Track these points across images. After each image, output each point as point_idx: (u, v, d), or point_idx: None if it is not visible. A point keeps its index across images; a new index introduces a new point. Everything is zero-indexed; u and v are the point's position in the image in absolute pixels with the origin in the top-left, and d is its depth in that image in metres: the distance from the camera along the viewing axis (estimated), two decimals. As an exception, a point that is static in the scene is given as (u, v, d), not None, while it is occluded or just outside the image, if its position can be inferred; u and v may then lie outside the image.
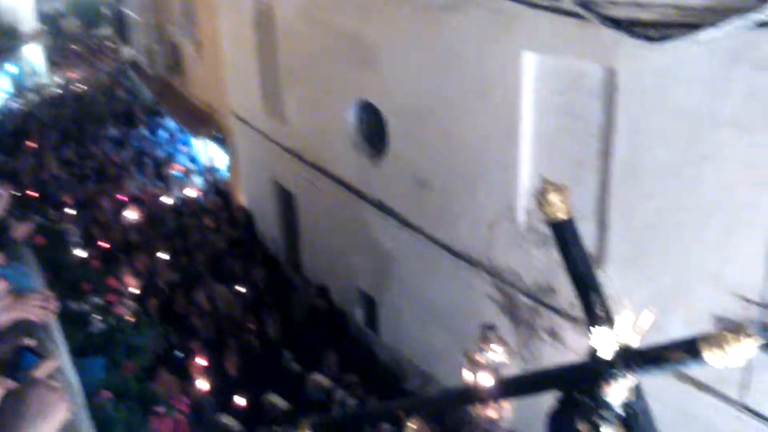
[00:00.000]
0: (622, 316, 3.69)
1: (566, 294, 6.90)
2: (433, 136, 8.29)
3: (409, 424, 5.15)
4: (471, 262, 8.07)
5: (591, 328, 3.82)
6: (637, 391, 3.85)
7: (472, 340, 7.53)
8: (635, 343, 3.74)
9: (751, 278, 5.50)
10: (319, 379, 8.58)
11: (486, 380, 5.62)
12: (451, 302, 8.39)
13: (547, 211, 3.96)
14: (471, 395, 4.75)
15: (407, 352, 9.28)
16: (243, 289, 11.33)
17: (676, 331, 5.23)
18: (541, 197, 3.97)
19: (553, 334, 7.25)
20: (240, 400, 8.53)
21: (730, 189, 5.54)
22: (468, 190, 8.00)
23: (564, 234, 3.96)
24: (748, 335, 3.38)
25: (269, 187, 12.75)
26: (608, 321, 3.85)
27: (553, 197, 3.94)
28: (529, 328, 7.55)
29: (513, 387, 4.36)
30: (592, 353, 3.78)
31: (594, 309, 3.88)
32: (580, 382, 3.84)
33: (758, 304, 5.49)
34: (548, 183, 3.97)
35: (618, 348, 3.70)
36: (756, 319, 5.47)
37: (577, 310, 6.78)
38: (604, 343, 3.66)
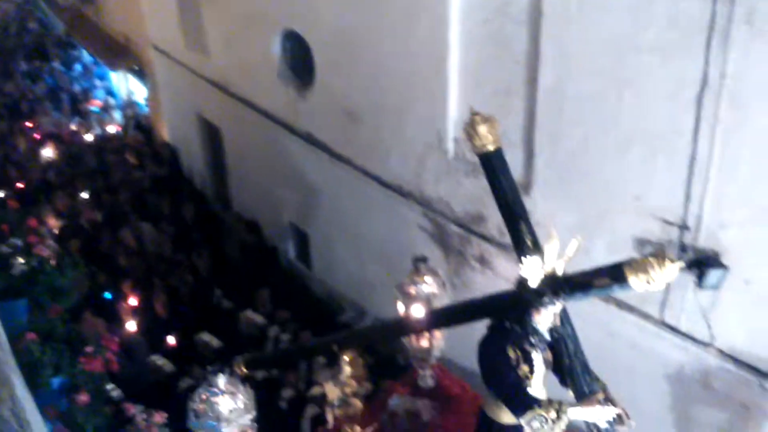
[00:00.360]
0: (550, 245, 3.74)
1: (495, 221, 7.01)
2: (361, 67, 8.15)
3: (343, 357, 5.17)
4: (402, 193, 8.08)
5: (520, 256, 3.86)
6: (564, 316, 3.95)
7: (405, 272, 7.62)
8: (562, 270, 3.80)
9: (670, 202, 5.66)
10: (252, 316, 8.56)
11: (418, 311, 5.70)
12: (382, 234, 8.41)
13: (476, 143, 3.94)
14: (404, 327, 4.78)
15: (340, 286, 9.32)
16: (170, 227, 11.10)
17: (600, 254, 5.40)
18: (470, 129, 3.94)
19: (483, 261, 7.38)
20: (171, 340, 8.46)
21: (650, 115, 5.64)
22: (397, 122, 7.94)
23: (493, 165, 3.96)
24: (671, 259, 3.47)
25: (193, 122, 12.39)
26: (536, 249, 3.90)
27: (482, 128, 3.91)
28: (459, 257, 7.65)
29: (445, 317, 4.41)
30: (521, 282, 3.84)
31: (522, 238, 3.92)
32: (510, 311, 3.91)
33: (678, 226, 5.68)
34: (477, 114, 3.94)
35: (546, 276, 3.75)
36: (676, 240, 5.66)
37: (506, 237, 6.93)
38: (533, 271, 3.71)
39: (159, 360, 8.21)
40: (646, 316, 6.07)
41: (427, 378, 6.07)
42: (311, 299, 9.37)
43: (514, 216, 3.91)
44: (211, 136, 12.02)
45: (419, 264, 5.76)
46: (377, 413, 5.73)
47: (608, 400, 3.93)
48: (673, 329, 5.93)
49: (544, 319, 3.83)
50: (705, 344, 5.67)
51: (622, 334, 6.22)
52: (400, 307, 5.82)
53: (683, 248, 5.56)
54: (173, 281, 9.80)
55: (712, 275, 3.45)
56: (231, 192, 11.94)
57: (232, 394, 4.83)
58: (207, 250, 10.30)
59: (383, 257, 8.46)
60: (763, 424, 5.54)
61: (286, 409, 7.21)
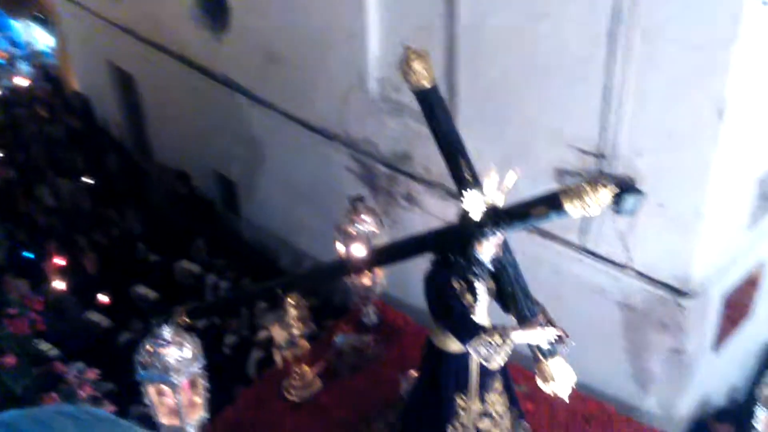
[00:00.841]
0: (488, 178, 3.84)
1: (421, 160, 7.12)
2: (278, 5, 7.96)
3: (288, 299, 5.22)
4: (327, 135, 8.06)
5: (460, 191, 3.95)
6: (505, 245, 4.08)
7: (341, 213, 7.65)
8: (501, 202, 3.92)
9: (588, 131, 5.85)
10: (188, 266, 8.47)
11: (359, 251, 5.78)
12: (312, 177, 8.40)
13: (412, 80, 3.96)
14: (346, 267, 4.85)
15: (276, 232, 9.28)
16: (91, 181, 10.76)
17: (524, 186, 5.56)
18: (404, 66, 3.95)
19: (411, 200, 7.49)
20: (104, 297, 8.32)
21: (566, 47, 5.76)
22: (318, 62, 7.85)
23: (429, 101, 4.00)
24: (604, 185, 3.63)
25: (105, 70, 11.90)
26: (476, 183, 4.00)
27: (417, 65, 3.94)
28: (388, 196, 7.74)
29: (389, 254, 4.50)
30: (463, 215, 3.94)
31: (462, 173, 4.01)
32: (453, 244, 4.02)
33: (595, 155, 5.87)
34: (411, 51, 3.95)
35: (486, 209, 3.86)
36: (593, 168, 5.85)
37: (432, 175, 7.06)
38: (474, 205, 3.81)
39: (94, 316, 8.08)
40: (567, 243, 6.31)
41: (370, 314, 6.21)
42: (247, 247, 9.32)
43: (453, 152, 3.99)
44: (125, 83, 11.59)
45: (357, 203, 5.81)
46: (324, 352, 5.84)
47: (548, 322, 4.11)
48: (593, 254, 6.18)
49: (487, 250, 3.95)
50: (623, 267, 5.95)
51: (546, 261, 6.45)
52: (340, 248, 5.90)
53: (600, 173, 5.76)
54: (98, 237, 9.57)
55: (629, 201, 3.61)
56: (151, 141, 11.62)
57: (179, 344, 4.84)
58: (132, 202, 10.05)
59: (314, 200, 8.46)
60: (681, 339, 5.90)
61: (231, 355, 7.26)
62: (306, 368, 5.60)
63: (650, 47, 5.24)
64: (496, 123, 6.46)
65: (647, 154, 5.55)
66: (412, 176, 7.37)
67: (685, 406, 6.30)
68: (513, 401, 4.68)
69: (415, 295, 6.70)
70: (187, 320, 5.51)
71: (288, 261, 8.98)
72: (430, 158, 6.97)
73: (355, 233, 5.85)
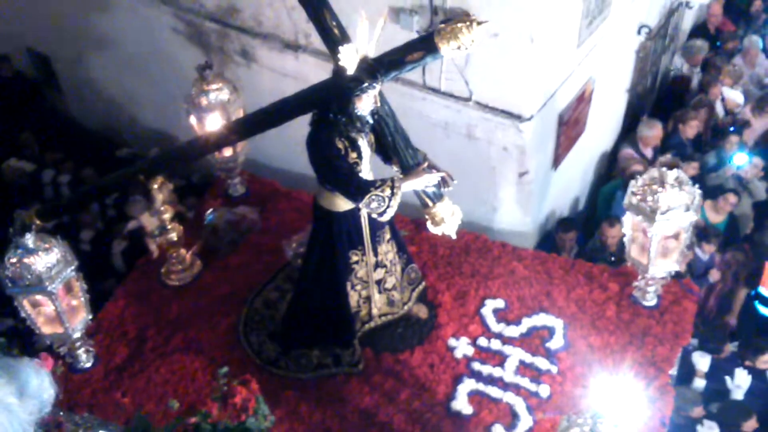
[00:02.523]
0: (359, 29, 3.69)
1: (250, 11, 6.73)
2: None
3: (152, 185, 4.94)
4: None
5: (331, 48, 3.79)
6: (381, 96, 4.01)
7: (181, 80, 7.18)
8: (373, 52, 3.81)
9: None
10: (17, 164, 7.71)
11: (215, 122, 5.50)
12: (137, 44, 7.69)
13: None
14: (214, 142, 4.60)
15: (110, 111, 8.56)
16: None
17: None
18: None
19: (246, 55, 7.10)
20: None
21: None
22: None
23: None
24: (478, 21, 3.59)
25: None
26: (344, 37, 3.84)
27: None
28: (221, 54, 7.30)
29: (260, 122, 4.27)
30: (337, 71, 3.80)
31: (330, 28, 3.82)
32: (330, 102, 3.89)
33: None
34: None
35: (360, 61, 3.74)
36: (427, 4, 5.70)
37: (264, 27, 6.71)
38: (349, 59, 3.68)
39: None
40: (410, 83, 6.28)
41: (237, 186, 6.04)
42: (81, 132, 8.54)
43: (317, 7, 3.76)
44: None
45: (205, 71, 5.47)
46: (198, 232, 5.66)
47: (431, 167, 4.17)
48: (436, 91, 6.23)
49: (366, 103, 3.88)
50: (465, 99, 6.04)
51: (394, 104, 6.43)
52: (193, 121, 5.58)
53: (435, 12, 5.69)
54: None
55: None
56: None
57: (46, 249, 4.51)
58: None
59: (145, 69, 7.83)
60: (520, 160, 6.18)
61: (91, 251, 6.86)
62: (183, 251, 5.42)
63: None
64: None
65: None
66: (244, 30, 6.95)
67: (534, 221, 6.75)
68: (401, 248, 4.80)
69: (279, 157, 6.63)
70: (38, 222, 5.10)
71: (130, 140, 8.35)
72: (260, 8, 6.64)
73: (207, 103, 5.56)
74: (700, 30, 9.33)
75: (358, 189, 3.95)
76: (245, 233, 5.72)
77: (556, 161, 6.65)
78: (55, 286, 4.50)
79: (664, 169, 4.50)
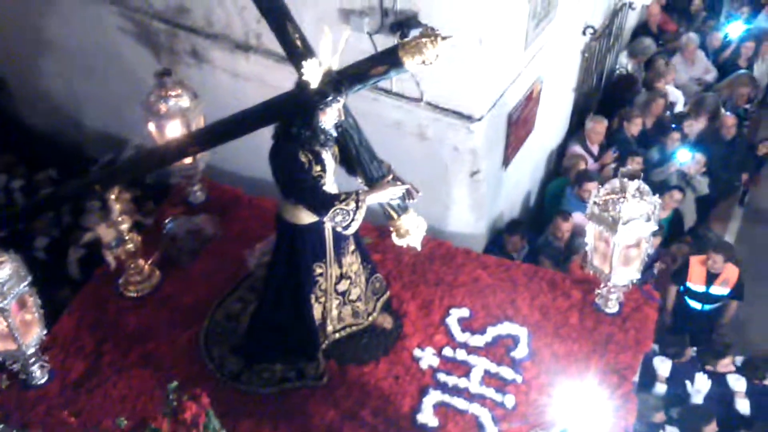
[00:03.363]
0: (323, 42, 3.63)
1: (201, 11, 6.63)
2: None
3: (109, 195, 4.81)
4: None
5: (294, 62, 3.72)
6: (345, 109, 3.95)
7: (119, 84, 6.99)
8: (337, 65, 3.75)
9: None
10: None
11: (174, 129, 5.37)
12: (84, 44, 7.48)
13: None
14: (175, 152, 4.49)
15: (60, 113, 8.33)
16: None
17: (310, 27, 5.40)
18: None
19: (197, 56, 6.98)
20: None
21: None
22: None
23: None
24: (443, 37, 3.56)
25: None
26: (307, 50, 3.78)
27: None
28: (171, 55, 7.16)
29: (222, 133, 4.18)
30: (301, 85, 3.73)
31: (293, 41, 3.75)
32: (293, 116, 3.81)
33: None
34: None
35: (324, 74, 3.68)
36: (377, 6, 5.65)
37: (215, 27, 6.60)
38: (313, 73, 3.61)
39: None
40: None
41: (197, 193, 5.92)
42: (33, 135, 8.29)
43: (281, 20, 3.69)
44: None
45: (164, 78, 5.33)
46: (157, 241, 5.53)
47: (396, 179, 4.13)
48: (387, 92, 6.20)
49: (330, 117, 3.82)
50: (416, 100, 6.03)
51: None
52: (152, 128, 5.45)
53: (385, 13, 5.65)
54: None
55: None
56: None
57: (-1, 263, 4.35)
58: None
59: (93, 71, 7.62)
60: (471, 159, 6.18)
61: (46, 259, 6.68)
62: (141, 262, 5.29)
63: None
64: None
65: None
66: (194, 30, 6.82)
67: (486, 219, 6.78)
68: (365, 258, 4.75)
69: (240, 163, 6.51)
70: (-10, 232, 4.96)
71: (80, 142, 8.12)
72: (210, 8, 6.52)
73: (167, 110, 5.43)
74: (642, 29, 9.54)
75: (322, 203, 3.89)
76: (206, 242, 5.61)
77: (507, 160, 6.73)
78: (8, 302, 4.34)
79: (625, 179, 4.52)
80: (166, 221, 5.66)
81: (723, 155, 8.03)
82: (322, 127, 3.83)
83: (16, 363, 4.71)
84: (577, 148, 7.75)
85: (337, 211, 3.87)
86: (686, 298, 6.72)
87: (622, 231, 4.51)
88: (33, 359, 4.74)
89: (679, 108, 8.61)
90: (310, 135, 3.83)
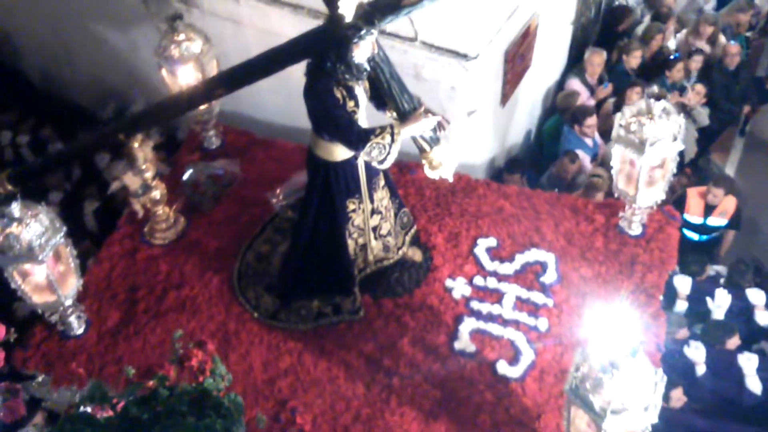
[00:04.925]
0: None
1: None
2: None
3: (133, 143, 4.79)
4: None
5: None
6: (377, 43, 3.92)
7: (121, 29, 6.74)
8: (368, -3, 3.71)
9: None
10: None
11: (189, 74, 5.31)
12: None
13: None
14: (202, 94, 4.45)
15: (57, 61, 8.11)
16: None
17: None
18: None
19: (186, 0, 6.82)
20: None
21: None
22: None
23: None
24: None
25: None
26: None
27: None
28: (160, 1, 6.99)
29: (251, 72, 4.13)
30: (333, 19, 3.69)
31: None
32: (327, 50, 3.78)
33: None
34: None
35: (357, 6, 3.64)
36: None
37: None
38: (347, 6, 3.58)
39: None
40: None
41: (212, 139, 5.90)
42: (33, 89, 8.14)
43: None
44: None
45: (175, 22, 5.25)
46: (178, 189, 5.53)
47: (427, 111, 4.13)
48: (381, 32, 6.09)
49: (363, 51, 3.79)
50: (411, 40, 5.96)
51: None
52: (165, 74, 5.39)
53: None
54: None
55: None
56: None
57: (34, 216, 4.36)
58: None
59: (79, 21, 7.42)
60: (466, 98, 6.16)
61: (61, 213, 6.63)
62: (167, 209, 5.30)
63: None
64: None
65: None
66: None
67: (484, 161, 6.79)
68: (394, 193, 4.78)
69: (253, 104, 6.45)
70: (10, 187, 4.93)
71: (78, 95, 7.95)
72: None
73: (179, 56, 5.36)
74: None
75: (359, 138, 3.90)
76: (227, 187, 5.62)
77: (504, 98, 6.66)
78: (46, 254, 4.36)
79: (651, 100, 4.55)
80: (186, 168, 5.65)
81: (725, 85, 7.92)
82: (356, 61, 3.81)
83: (54, 314, 4.77)
84: (576, 82, 7.60)
85: (374, 145, 3.89)
86: (683, 229, 6.77)
87: (649, 152, 4.56)
88: (71, 310, 4.79)
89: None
90: (344, 70, 3.81)
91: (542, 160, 7.33)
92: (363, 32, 3.68)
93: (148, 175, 5.04)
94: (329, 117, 3.91)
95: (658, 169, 4.81)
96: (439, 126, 4.20)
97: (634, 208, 5.03)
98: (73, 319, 4.86)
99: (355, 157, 4.19)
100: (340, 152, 4.15)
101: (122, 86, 7.57)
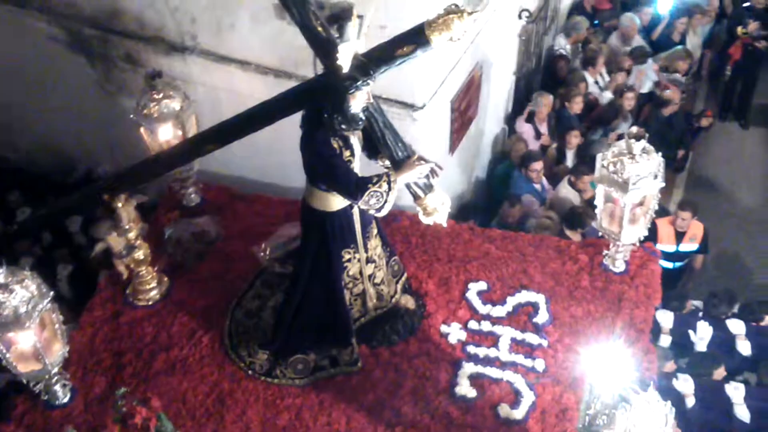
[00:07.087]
0: (350, 27, 3.66)
1: (132, 14, 6.47)
2: None
3: (116, 203, 4.71)
4: (17, 2, 6.90)
5: (320, 48, 3.73)
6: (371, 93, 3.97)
7: (57, 91, 6.60)
8: (363, 49, 3.78)
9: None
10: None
11: (168, 132, 5.27)
12: (15, 58, 7.20)
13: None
14: (191, 151, 4.43)
15: (9, 129, 7.95)
16: None
17: (245, 25, 5.32)
18: None
19: (131, 60, 6.80)
20: None
21: None
22: None
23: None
24: (468, 12, 3.63)
25: None
26: (329, 36, 3.78)
27: None
28: (105, 61, 6.97)
29: (243, 126, 4.13)
30: (326, 70, 3.74)
31: (315, 29, 3.75)
32: (323, 102, 3.82)
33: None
34: None
35: (353, 58, 3.70)
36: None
37: (147, 30, 6.45)
38: (345, 58, 3.63)
39: None
40: (304, 77, 6.23)
41: (191, 196, 5.84)
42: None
43: (300, 10, 3.70)
44: None
45: (154, 80, 5.23)
46: (160, 248, 5.43)
47: (420, 158, 4.18)
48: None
49: (359, 101, 3.84)
50: None
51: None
52: (144, 133, 5.34)
53: (321, 6, 5.65)
54: None
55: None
56: None
57: (20, 282, 4.22)
58: None
59: (31, 84, 7.33)
60: (416, 148, 6.23)
61: (33, 279, 6.44)
62: (150, 269, 5.19)
63: None
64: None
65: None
66: (126, 34, 6.65)
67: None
68: (385, 241, 4.79)
69: (234, 163, 6.41)
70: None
71: (44, 162, 7.79)
72: (141, 11, 6.39)
73: (158, 114, 5.33)
74: (577, 10, 9.68)
75: (357, 186, 3.91)
76: (211, 243, 5.55)
77: (452, 146, 6.81)
78: (33, 320, 4.22)
79: (631, 140, 4.70)
80: (167, 226, 5.57)
81: (661, 132, 8.03)
82: (352, 111, 3.85)
83: (39, 383, 4.59)
84: (525, 127, 7.90)
85: (371, 193, 3.91)
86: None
87: (632, 190, 4.69)
88: (56, 378, 4.62)
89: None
90: (341, 120, 3.84)
91: (493, 205, 7.44)
92: (359, 83, 3.73)
93: (132, 234, 4.95)
94: (329, 166, 3.92)
95: (640, 207, 4.94)
96: (432, 172, 4.24)
97: (618, 245, 5.14)
98: (58, 387, 4.68)
99: (351, 207, 4.20)
100: (336, 202, 4.16)
101: (74, 151, 7.49)
